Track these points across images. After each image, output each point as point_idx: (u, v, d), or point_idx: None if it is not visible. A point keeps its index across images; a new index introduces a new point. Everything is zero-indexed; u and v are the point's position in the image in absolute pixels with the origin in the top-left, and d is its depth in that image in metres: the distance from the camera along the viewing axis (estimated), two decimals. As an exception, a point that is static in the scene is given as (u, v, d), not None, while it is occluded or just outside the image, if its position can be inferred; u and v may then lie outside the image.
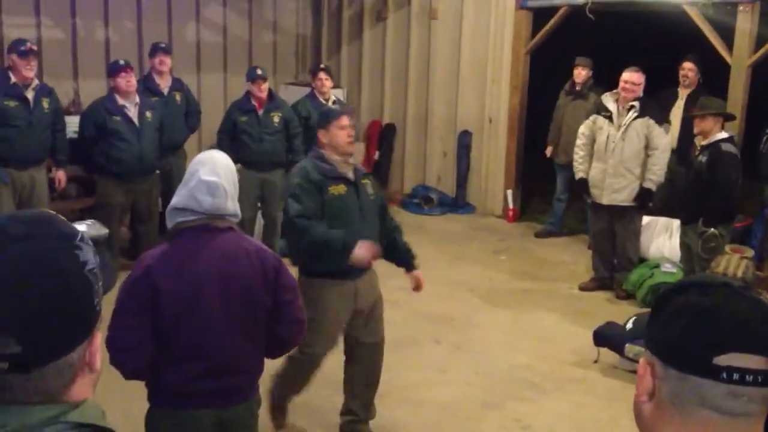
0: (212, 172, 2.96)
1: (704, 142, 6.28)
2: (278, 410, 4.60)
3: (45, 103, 6.75)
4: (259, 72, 7.69)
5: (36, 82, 6.71)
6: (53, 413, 1.16)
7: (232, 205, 3.00)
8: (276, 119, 7.67)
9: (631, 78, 6.87)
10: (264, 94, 7.65)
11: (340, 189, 4.27)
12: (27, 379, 1.14)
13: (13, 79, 6.56)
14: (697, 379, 1.19)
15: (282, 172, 7.55)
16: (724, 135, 6.22)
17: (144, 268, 2.89)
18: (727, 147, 6.17)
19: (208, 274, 2.91)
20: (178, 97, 7.86)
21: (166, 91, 7.77)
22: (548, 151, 8.86)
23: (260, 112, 7.64)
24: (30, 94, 6.63)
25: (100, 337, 1.25)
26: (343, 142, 4.31)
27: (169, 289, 2.86)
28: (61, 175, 7.09)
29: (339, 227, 4.19)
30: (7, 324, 1.11)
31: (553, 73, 9.00)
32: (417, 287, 4.82)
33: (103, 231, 5.59)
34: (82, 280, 1.19)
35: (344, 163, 4.35)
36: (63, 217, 1.26)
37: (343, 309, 4.38)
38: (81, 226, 1.27)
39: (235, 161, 3.30)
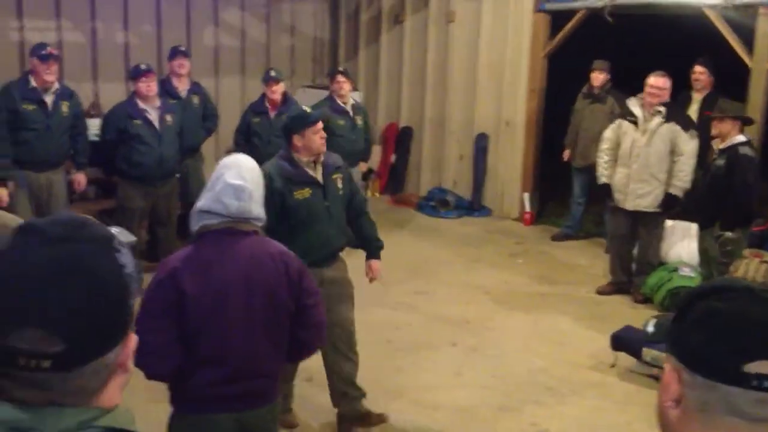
0: (238, 176, 2.96)
1: (722, 146, 6.23)
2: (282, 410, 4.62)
3: (65, 107, 6.79)
4: (272, 74, 7.73)
5: (56, 85, 6.75)
6: (87, 417, 1.18)
7: (257, 208, 3.01)
8: None
9: (657, 83, 6.80)
10: (276, 96, 7.67)
11: (305, 193, 4.35)
12: (66, 378, 1.16)
13: (33, 83, 6.61)
14: (725, 387, 1.18)
15: None
16: (742, 138, 6.17)
17: (169, 271, 2.90)
18: (744, 150, 6.12)
19: (233, 278, 2.92)
20: (195, 100, 7.91)
21: (184, 94, 7.81)
22: (565, 154, 8.83)
23: (272, 114, 7.67)
24: (49, 98, 6.68)
25: (134, 339, 1.27)
26: (317, 145, 4.38)
27: (194, 292, 2.86)
28: (80, 178, 7.14)
29: (304, 230, 4.32)
30: (51, 323, 1.13)
31: (571, 76, 8.97)
32: (370, 277, 4.92)
33: (131, 238, 5.79)
34: (121, 282, 1.21)
35: (312, 163, 4.42)
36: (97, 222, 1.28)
37: None
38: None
39: None
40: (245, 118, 7.85)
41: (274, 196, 4.19)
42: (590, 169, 8.53)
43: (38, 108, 6.63)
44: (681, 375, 1.24)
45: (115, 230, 1.29)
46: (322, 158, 4.44)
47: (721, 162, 6.17)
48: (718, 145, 6.31)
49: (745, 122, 6.31)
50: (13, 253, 1.18)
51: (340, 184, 4.50)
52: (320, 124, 4.44)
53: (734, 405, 1.18)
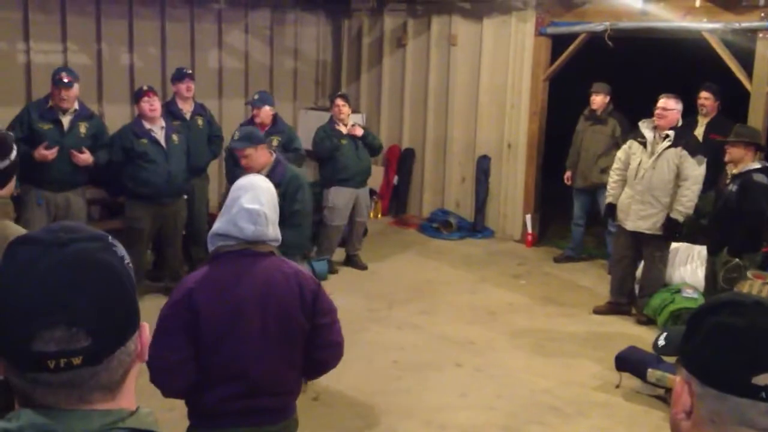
0: (254, 199, 2.99)
1: (735, 171, 6.16)
2: None
3: (82, 128, 6.85)
4: (256, 97, 7.75)
5: (75, 106, 6.83)
6: (111, 419, 1.21)
7: (272, 230, 3.04)
8: (274, 143, 7.71)
9: (665, 104, 6.81)
10: (259, 120, 7.62)
11: None
12: (95, 371, 1.20)
13: (51, 103, 6.71)
14: (735, 398, 1.22)
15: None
16: (756, 165, 6.08)
17: (184, 291, 2.94)
18: (758, 177, 6.02)
19: (248, 299, 2.95)
20: (200, 122, 7.94)
21: (188, 115, 7.84)
22: (566, 176, 8.84)
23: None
24: (65, 119, 6.76)
25: (146, 328, 1.32)
26: (242, 165, 5.42)
27: (208, 312, 2.90)
28: (87, 156, 6.81)
29: None
30: (76, 319, 1.17)
31: (573, 97, 9.04)
32: None
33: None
34: (127, 272, 1.27)
35: None
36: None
37: None
38: None
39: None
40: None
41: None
42: (590, 190, 8.60)
43: (54, 128, 6.70)
44: (692, 387, 1.28)
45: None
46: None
47: (733, 188, 6.12)
48: (731, 170, 6.26)
49: (759, 149, 6.18)
50: (17, 263, 1.20)
51: None
52: (240, 152, 5.56)
53: (744, 416, 1.22)
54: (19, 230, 2.81)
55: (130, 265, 1.29)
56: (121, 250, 1.28)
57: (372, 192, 10.46)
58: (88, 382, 1.20)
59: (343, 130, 8.16)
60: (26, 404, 1.21)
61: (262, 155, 5.54)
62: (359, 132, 8.22)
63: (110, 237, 1.29)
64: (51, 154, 6.56)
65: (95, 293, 1.19)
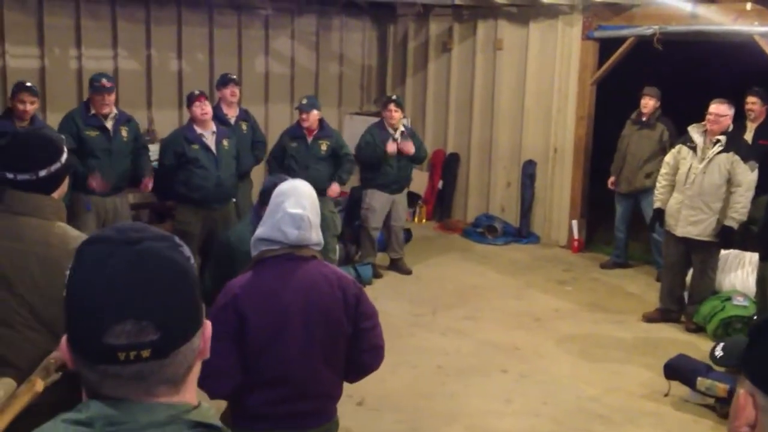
0: (297, 204, 2.99)
1: None
2: None
3: (124, 132, 6.97)
4: (303, 102, 7.84)
5: (115, 111, 6.94)
6: (175, 411, 1.25)
7: (315, 235, 3.04)
8: (324, 147, 7.77)
9: (717, 110, 6.70)
10: (307, 124, 7.73)
11: None
12: (162, 365, 1.24)
13: (93, 110, 6.82)
14: None
15: (326, 199, 7.52)
16: None
17: (231, 297, 2.96)
18: None
19: (293, 304, 2.97)
20: (244, 127, 8.02)
21: (233, 120, 7.93)
22: (610, 181, 8.72)
23: (309, 139, 7.77)
24: (109, 124, 6.87)
25: (209, 326, 1.34)
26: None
27: (255, 318, 2.93)
28: (147, 181, 7.14)
29: None
30: (145, 314, 1.21)
31: (617, 100, 8.93)
32: None
33: None
34: (192, 271, 1.30)
35: None
36: None
37: None
38: None
39: None
40: (280, 142, 7.95)
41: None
42: (633, 195, 8.47)
43: (101, 134, 6.82)
44: (757, 399, 1.25)
45: None
46: None
47: None
48: None
49: None
50: (90, 261, 1.25)
51: None
52: None
53: None
54: (74, 231, 2.86)
55: (195, 264, 1.32)
56: (186, 250, 1.31)
57: (416, 197, 10.47)
58: (154, 375, 1.24)
59: (391, 148, 8.10)
60: (94, 396, 1.25)
61: None
62: (411, 150, 8.12)
63: (176, 237, 1.33)
64: (105, 187, 6.80)
65: (164, 289, 1.23)
